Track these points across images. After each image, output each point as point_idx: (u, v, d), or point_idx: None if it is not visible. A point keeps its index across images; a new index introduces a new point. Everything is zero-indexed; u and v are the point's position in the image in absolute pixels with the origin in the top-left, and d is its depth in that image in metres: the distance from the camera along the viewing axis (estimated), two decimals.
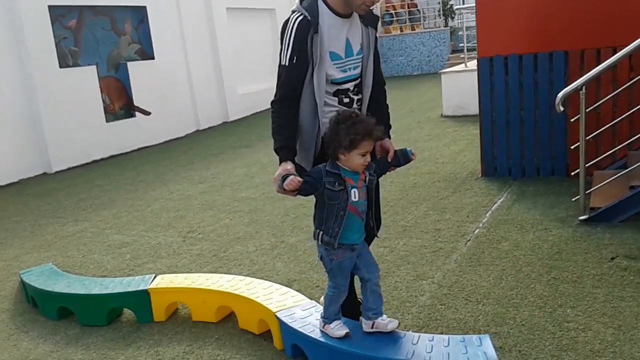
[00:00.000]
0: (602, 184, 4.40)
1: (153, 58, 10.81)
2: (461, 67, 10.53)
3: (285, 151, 2.60)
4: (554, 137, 5.45)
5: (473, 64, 9.94)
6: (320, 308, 2.93)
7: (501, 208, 4.83)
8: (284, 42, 2.59)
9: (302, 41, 2.54)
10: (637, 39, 4.19)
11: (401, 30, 19.49)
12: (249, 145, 9.40)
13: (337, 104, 2.71)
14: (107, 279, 3.69)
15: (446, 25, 20.00)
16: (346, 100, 2.74)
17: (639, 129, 4.88)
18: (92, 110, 9.55)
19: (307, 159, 2.72)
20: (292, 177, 2.38)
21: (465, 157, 6.87)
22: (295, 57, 2.55)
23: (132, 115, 10.35)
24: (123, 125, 10.09)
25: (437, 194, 5.47)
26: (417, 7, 20.37)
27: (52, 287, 3.60)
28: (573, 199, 4.48)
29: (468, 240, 4.19)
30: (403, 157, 2.66)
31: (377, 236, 2.81)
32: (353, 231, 2.51)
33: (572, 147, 4.49)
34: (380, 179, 2.74)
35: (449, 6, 19.89)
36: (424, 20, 20.05)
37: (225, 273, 3.97)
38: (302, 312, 2.89)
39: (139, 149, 10.23)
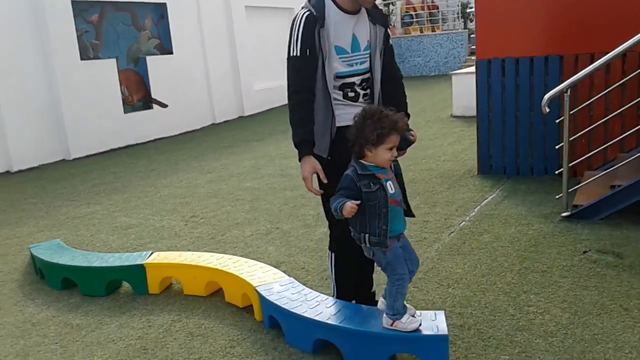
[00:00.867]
0: (584, 183, 4.56)
1: (172, 53, 11.15)
2: (472, 69, 10.65)
3: (307, 146, 2.73)
4: (547, 138, 5.60)
5: None
6: (298, 284, 3.17)
7: (490, 204, 5.01)
8: (292, 35, 2.72)
9: (310, 35, 2.67)
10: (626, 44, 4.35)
11: (421, 32, 19.63)
12: (260, 139, 9.67)
13: (341, 98, 2.79)
14: (108, 254, 3.97)
15: (465, 28, 20.07)
16: (351, 94, 2.81)
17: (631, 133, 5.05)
18: (111, 102, 9.91)
19: (323, 147, 2.78)
20: (348, 204, 2.37)
21: (466, 155, 7.04)
22: (307, 50, 2.68)
23: (150, 107, 10.70)
24: (140, 116, 10.44)
25: (432, 189, 5.66)
26: (438, 9, 20.48)
27: (57, 259, 3.89)
28: (557, 197, 4.65)
29: (452, 232, 4.39)
30: (404, 141, 2.65)
31: (413, 216, 2.78)
32: (396, 222, 2.54)
33: (557, 147, 4.64)
34: None
35: (468, 9, 19.96)
36: (443, 23, 20.15)
37: (221, 253, 4.22)
38: (279, 287, 3.12)
39: (154, 140, 10.57)
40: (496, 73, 5.76)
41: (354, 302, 3.00)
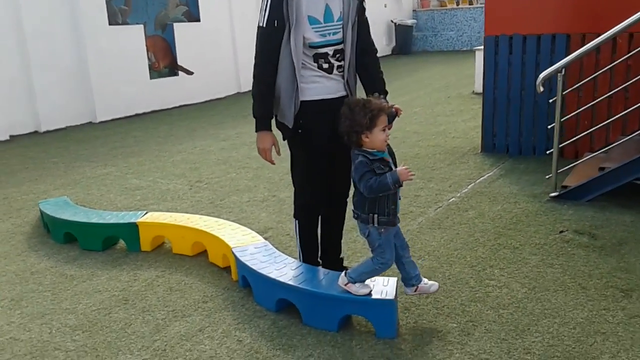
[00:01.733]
0: (575, 163, 4.60)
1: (199, 20, 11.31)
2: None
3: (265, 121, 2.92)
4: (551, 118, 5.58)
5: None
6: (271, 247, 3.36)
7: (485, 181, 5.09)
8: (262, 4, 2.82)
9: (277, 4, 2.76)
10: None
11: (457, 4, 19.29)
12: None
13: (316, 69, 2.87)
14: (107, 212, 4.25)
15: None
16: (325, 65, 2.88)
17: (634, 114, 5.03)
18: (137, 67, 10.18)
19: (287, 118, 2.91)
20: (401, 169, 2.51)
21: (477, 133, 7.00)
22: (272, 20, 2.78)
23: (176, 74, 10.93)
24: (166, 82, 10.69)
25: (433, 165, 5.75)
26: None
27: (61, 214, 4.17)
28: (547, 177, 4.70)
29: (439, 207, 4.50)
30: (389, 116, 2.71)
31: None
32: (398, 203, 2.70)
33: (549, 127, 4.67)
34: None
35: None
36: None
37: (217, 218, 4.44)
38: (254, 249, 3.32)
39: (179, 106, 10.83)
40: (504, 50, 5.76)
41: (320, 266, 3.19)
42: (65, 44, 9.09)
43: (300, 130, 2.93)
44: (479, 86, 10.12)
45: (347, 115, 2.57)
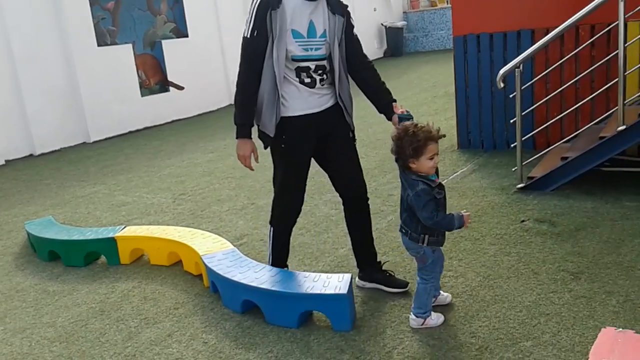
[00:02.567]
0: (539, 154, 4.73)
1: (187, 36, 11.54)
2: None
3: (245, 129, 3.04)
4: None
5: None
6: (238, 253, 3.52)
7: (457, 177, 5.23)
8: (248, 16, 2.94)
9: (262, 17, 2.85)
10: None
11: (447, 3, 19.43)
12: None
13: (298, 83, 2.95)
14: (88, 229, 4.42)
15: None
16: (307, 80, 2.96)
17: (600, 104, 5.17)
18: (128, 85, 10.40)
19: (268, 127, 2.98)
20: (465, 217, 2.67)
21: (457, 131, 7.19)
22: (255, 31, 2.88)
23: (167, 90, 11.15)
24: (157, 99, 10.91)
25: None
26: None
27: (44, 234, 4.35)
28: (513, 169, 4.83)
29: None
30: (406, 119, 2.88)
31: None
32: None
33: (511, 121, 4.81)
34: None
35: None
36: None
37: (195, 228, 4.61)
38: (222, 255, 3.48)
39: (172, 122, 11.04)
40: (472, 49, 5.91)
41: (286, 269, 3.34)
42: (55, 66, 9.32)
43: (283, 145, 3.04)
44: None
45: (397, 142, 2.65)
